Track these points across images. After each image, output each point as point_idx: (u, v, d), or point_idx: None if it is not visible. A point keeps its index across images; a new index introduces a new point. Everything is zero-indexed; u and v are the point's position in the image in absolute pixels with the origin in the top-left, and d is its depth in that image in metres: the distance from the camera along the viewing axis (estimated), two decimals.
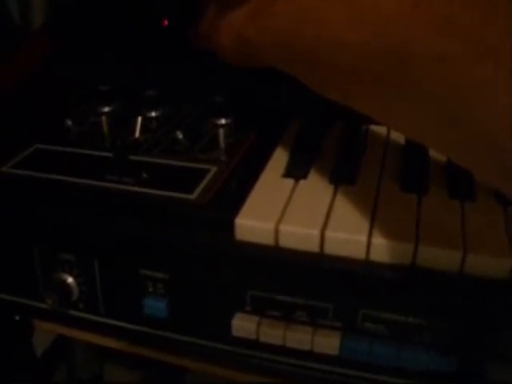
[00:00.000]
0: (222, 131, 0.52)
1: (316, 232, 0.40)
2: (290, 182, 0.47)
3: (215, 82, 0.62)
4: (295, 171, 0.48)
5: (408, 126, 0.36)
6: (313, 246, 0.40)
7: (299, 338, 0.42)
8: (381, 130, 0.56)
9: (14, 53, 0.65)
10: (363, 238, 0.39)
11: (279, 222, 0.41)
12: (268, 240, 0.41)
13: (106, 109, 0.56)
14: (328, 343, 0.42)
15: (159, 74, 0.63)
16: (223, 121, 0.53)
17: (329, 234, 0.40)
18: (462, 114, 0.30)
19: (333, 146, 0.53)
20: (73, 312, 0.50)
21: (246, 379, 0.48)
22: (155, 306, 0.45)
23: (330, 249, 0.40)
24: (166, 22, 0.67)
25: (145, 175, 0.48)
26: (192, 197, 0.44)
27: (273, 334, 0.43)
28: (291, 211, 0.42)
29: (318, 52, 0.37)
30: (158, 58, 0.65)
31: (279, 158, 0.51)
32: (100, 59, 0.66)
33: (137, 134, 0.54)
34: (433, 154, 0.51)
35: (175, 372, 1.00)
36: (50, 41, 0.67)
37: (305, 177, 0.47)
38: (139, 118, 0.55)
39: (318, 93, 0.40)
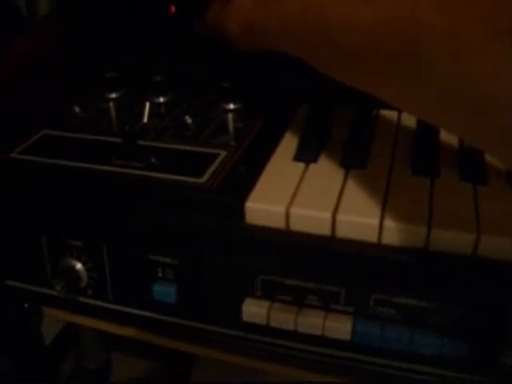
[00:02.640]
0: (230, 116, 0.51)
1: (328, 215, 0.39)
2: (301, 165, 0.46)
3: (223, 68, 0.61)
4: (305, 155, 0.47)
5: (418, 107, 0.35)
6: (324, 230, 0.40)
7: (310, 322, 0.42)
8: (391, 114, 0.56)
9: (21, 40, 0.64)
10: (375, 222, 0.39)
11: (290, 205, 0.41)
12: (279, 223, 0.41)
13: (114, 95, 0.56)
14: (340, 328, 0.41)
15: (167, 61, 0.63)
16: (232, 106, 0.53)
17: (340, 217, 0.39)
18: (473, 94, 0.29)
19: (343, 130, 0.53)
20: (81, 299, 0.50)
21: (256, 365, 0.48)
22: (164, 291, 0.45)
23: (342, 232, 0.40)
24: (173, 9, 0.66)
25: (154, 160, 0.47)
26: (201, 181, 0.44)
27: (284, 318, 0.42)
28: (302, 194, 0.42)
29: (326, 33, 0.36)
30: (165, 45, 0.64)
31: (289, 142, 0.50)
32: (108, 46, 0.65)
33: (145, 119, 0.53)
34: (444, 137, 0.51)
35: (183, 362, 1.01)
36: (58, 28, 0.67)
37: (315, 160, 0.47)
38: (147, 104, 0.54)
39: (327, 75, 0.40)
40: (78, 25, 0.68)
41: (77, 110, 0.56)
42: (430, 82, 0.31)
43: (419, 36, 0.30)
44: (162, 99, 0.57)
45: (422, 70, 0.31)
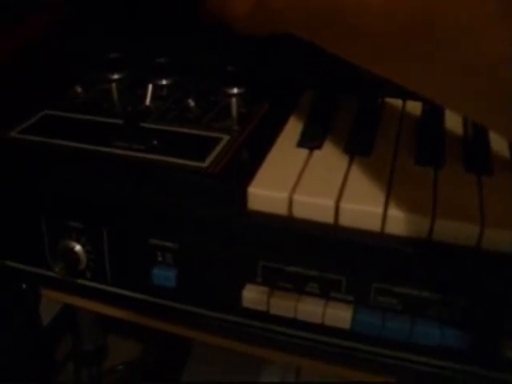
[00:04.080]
0: (234, 100, 0.51)
1: (331, 203, 0.39)
2: (305, 152, 0.46)
3: (228, 51, 0.61)
4: (310, 141, 0.47)
5: (428, 87, 0.35)
6: (327, 217, 0.39)
7: (310, 310, 0.41)
8: (396, 102, 0.55)
9: (24, 19, 0.64)
10: (379, 210, 0.38)
11: (293, 191, 0.40)
12: (281, 210, 0.40)
13: (116, 76, 0.56)
14: (340, 316, 0.41)
15: (171, 43, 0.62)
16: (236, 90, 0.52)
17: (344, 205, 0.39)
18: (487, 77, 0.29)
19: (348, 117, 0.52)
20: (80, 281, 0.50)
21: (254, 352, 0.48)
22: (164, 275, 0.45)
23: (345, 220, 0.39)
24: None
25: (155, 142, 0.47)
26: (204, 165, 0.44)
27: (284, 306, 0.42)
28: (305, 181, 0.42)
29: (340, 13, 0.36)
30: (170, 27, 0.63)
31: (293, 128, 0.50)
32: (113, 27, 0.64)
33: (147, 101, 0.53)
34: (449, 127, 0.50)
35: (181, 344, 1.01)
36: (63, 7, 0.66)
37: (319, 147, 0.46)
38: (150, 86, 0.54)
39: (338, 56, 0.39)
40: (83, 5, 0.67)
41: (79, 90, 0.55)
42: (442, 63, 0.31)
43: (432, 19, 0.30)
44: (164, 81, 0.56)
45: (434, 53, 0.31)
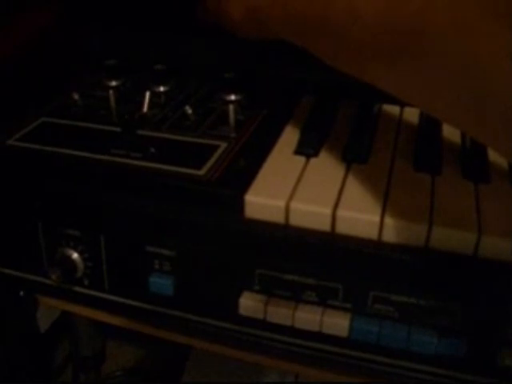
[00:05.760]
0: (231, 107, 0.51)
1: (328, 211, 0.39)
2: (302, 159, 0.46)
3: (225, 58, 0.61)
4: (307, 148, 0.47)
5: (419, 98, 0.35)
6: (324, 225, 0.39)
7: (308, 318, 0.41)
8: (394, 109, 0.55)
9: (24, 18, 0.63)
10: (376, 218, 0.38)
11: (290, 199, 0.40)
12: (278, 218, 0.40)
13: (114, 83, 0.55)
14: (337, 324, 0.41)
15: (169, 49, 0.62)
16: (233, 97, 0.52)
17: (341, 213, 0.39)
18: (476, 81, 0.29)
19: (345, 124, 0.52)
20: (77, 288, 0.49)
21: (252, 359, 0.48)
22: (161, 283, 0.45)
23: (342, 228, 0.39)
24: None
25: (153, 150, 0.47)
26: (200, 173, 0.44)
27: (281, 313, 0.42)
28: (302, 189, 0.42)
29: (330, 23, 0.36)
30: (167, 33, 0.63)
31: (290, 135, 0.50)
32: (109, 33, 0.64)
33: (145, 108, 0.53)
34: (446, 134, 0.50)
35: (179, 349, 1.01)
36: (62, 7, 0.66)
37: (316, 154, 0.46)
38: (147, 93, 0.54)
39: (329, 66, 0.39)
40: (83, 5, 0.67)
41: (76, 97, 0.55)
42: (432, 70, 0.31)
43: (423, 28, 0.30)
44: (162, 88, 0.56)
45: (425, 60, 0.31)
